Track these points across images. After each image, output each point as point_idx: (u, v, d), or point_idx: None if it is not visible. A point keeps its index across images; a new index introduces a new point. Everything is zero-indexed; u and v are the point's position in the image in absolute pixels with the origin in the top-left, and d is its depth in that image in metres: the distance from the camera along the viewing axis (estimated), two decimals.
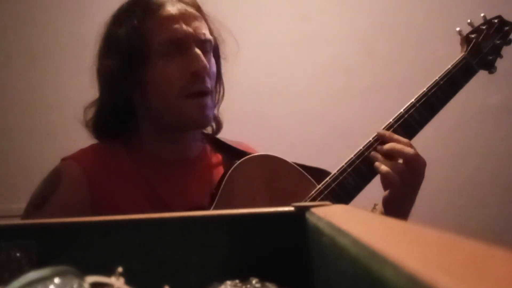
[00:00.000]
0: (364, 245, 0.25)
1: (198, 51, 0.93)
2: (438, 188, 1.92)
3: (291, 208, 0.52)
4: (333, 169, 0.97)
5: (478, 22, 1.06)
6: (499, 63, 1.04)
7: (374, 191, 0.94)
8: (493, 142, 2.00)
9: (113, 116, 0.99)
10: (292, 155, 0.97)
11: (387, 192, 0.93)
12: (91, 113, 1.01)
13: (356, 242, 0.27)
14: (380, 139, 0.93)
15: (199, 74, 0.93)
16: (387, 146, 0.91)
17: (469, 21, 1.05)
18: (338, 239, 0.32)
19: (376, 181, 0.93)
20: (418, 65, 2.04)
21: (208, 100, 0.95)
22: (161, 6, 0.94)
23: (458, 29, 1.05)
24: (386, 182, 0.91)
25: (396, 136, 0.92)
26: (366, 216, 0.43)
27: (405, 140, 0.92)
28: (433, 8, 2.09)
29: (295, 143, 1.95)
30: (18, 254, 0.48)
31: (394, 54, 2.08)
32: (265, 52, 2.01)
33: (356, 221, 0.39)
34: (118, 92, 0.96)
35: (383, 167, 0.90)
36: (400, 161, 0.91)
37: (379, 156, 0.91)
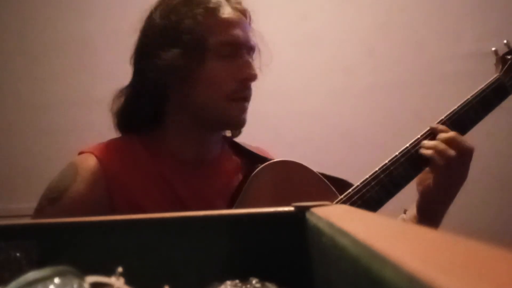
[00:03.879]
0: (364, 245, 0.25)
1: (249, 58, 0.97)
2: None
3: (291, 208, 0.52)
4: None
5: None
6: None
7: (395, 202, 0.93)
8: (493, 142, 1.99)
9: (145, 105, 0.97)
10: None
11: (427, 189, 0.92)
12: (119, 102, 0.99)
13: (356, 242, 0.27)
14: (431, 132, 0.93)
15: (249, 81, 0.95)
16: (451, 133, 0.91)
17: (505, 41, 1.03)
18: (338, 239, 0.32)
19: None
20: (418, 65, 2.04)
21: (247, 105, 0.98)
22: (220, 6, 0.95)
23: (494, 49, 1.03)
24: (438, 163, 0.90)
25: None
26: (366, 216, 0.43)
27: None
28: (433, 8, 2.09)
29: (295, 143, 1.95)
30: (18, 254, 0.48)
31: (394, 54, 2.08)
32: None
33: (356, 221, 0.39)
34: (162, 83, 0.94)
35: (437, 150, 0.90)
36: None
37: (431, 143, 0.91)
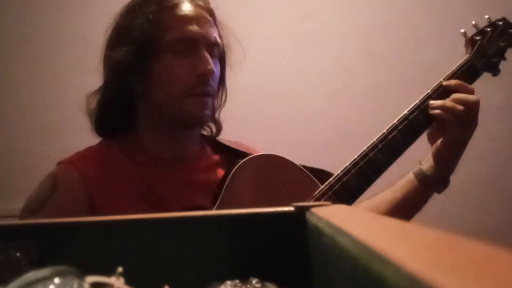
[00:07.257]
0: (364, 245, 0.25)
1: (206, 54, 0.95)
2: None
3: (291, 208, 0.52)
4: (334, 169, 0.96)
5: (482, 23, 1.05)
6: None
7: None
8: (493, 142, 1.99)
9: (114, 107, 0.98)
10: (292, 155, 0.97)
11: (441, 141, 0.94)
12: (94, 102, 1.00)
13: (356, 242, 0.27)
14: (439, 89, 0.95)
15: (205, 76, 0.94)
16: (455, 94, 0.93)
17: (473, 23, 1.04)
18: (338, 239, 0.32)
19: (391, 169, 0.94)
20: (418, 65, 2.04)
21: (209, 100, 0.96)
22: (177, 4, 0.96)
23: (462, 30, 1.04)
24: (448, 121, 0.92)
25: (462, 84, 0.95)
26: (366, 216, 0.43)
27: (471, 87, 0.95)
28: (433, 8, 2.09)
29: (294, 143, 1.95)
30: (18, 254, 0.48)
31: (394, 54, 2.07)
32: (265, 52, 2.01)
33: (356, 221, 0.39)
34: (123, 83, 0.96)
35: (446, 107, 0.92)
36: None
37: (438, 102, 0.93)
